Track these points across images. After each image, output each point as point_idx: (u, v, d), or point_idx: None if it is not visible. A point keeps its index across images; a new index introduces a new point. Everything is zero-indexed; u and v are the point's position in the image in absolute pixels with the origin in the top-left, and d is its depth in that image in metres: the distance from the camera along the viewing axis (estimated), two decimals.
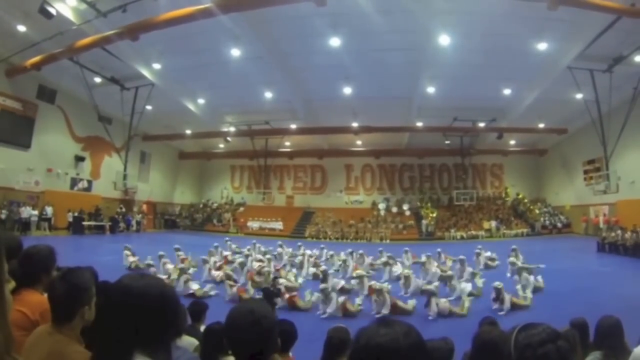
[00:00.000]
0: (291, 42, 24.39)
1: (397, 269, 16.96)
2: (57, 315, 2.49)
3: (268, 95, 31.21)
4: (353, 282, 15.08)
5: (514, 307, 11.86)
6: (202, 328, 5.59)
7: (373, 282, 13.23)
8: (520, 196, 42.93)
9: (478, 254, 19.87)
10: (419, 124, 34.89)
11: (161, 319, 1.77)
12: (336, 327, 4.45)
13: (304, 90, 30.82)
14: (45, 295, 2.75)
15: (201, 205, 46.73)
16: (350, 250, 19.94)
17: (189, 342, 4.55)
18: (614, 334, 4.14)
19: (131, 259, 17.20)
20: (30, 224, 27.62)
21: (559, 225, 37.95)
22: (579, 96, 26.92)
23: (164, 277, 13.37)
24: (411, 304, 12.32)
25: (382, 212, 42.15)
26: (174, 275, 14.17)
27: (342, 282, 14.82)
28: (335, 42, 23.08)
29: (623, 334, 4.17)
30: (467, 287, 13.86)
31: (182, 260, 17.06)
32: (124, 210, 36.16)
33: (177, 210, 45.37)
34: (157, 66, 27.27)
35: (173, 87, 30.20)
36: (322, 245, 23.05)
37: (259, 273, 13.26)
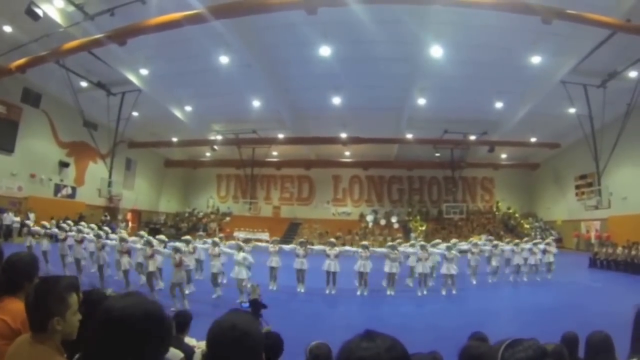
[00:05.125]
0: (281, 51, 24.17)
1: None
2: (30, 324, 2.45)
3: (256, 103, 30.91)
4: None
5: None
6: (186, 339, 5.65)
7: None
8: (511, 210, 42.74)
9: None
10: (409, 136, 34.82)
11: (147, 339, 1.76)
12: (317, 344, 4.35)
13: (292, 100, 30.64)
14: None
15: (187, 215, 46.16)
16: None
17: (173, 354, 4.19)
18: (604, 350, 4.22)
19: None
20: (12, 230, 27.03)
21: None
22: (572, 111, 26.86)
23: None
24: None
25: (370, 225, 41.81)
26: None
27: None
28: (325, 51, 22.80)
29: (613, 349, 4.24)
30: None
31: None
32: (108, 218, 35.57)
33: (163, 219, 44.76)
34: (144, 72, 26.90)
35: (160, 94, 29.87)
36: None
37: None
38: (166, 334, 1.95)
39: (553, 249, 21.75)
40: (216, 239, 17.05)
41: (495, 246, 20.78)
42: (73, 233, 17.86)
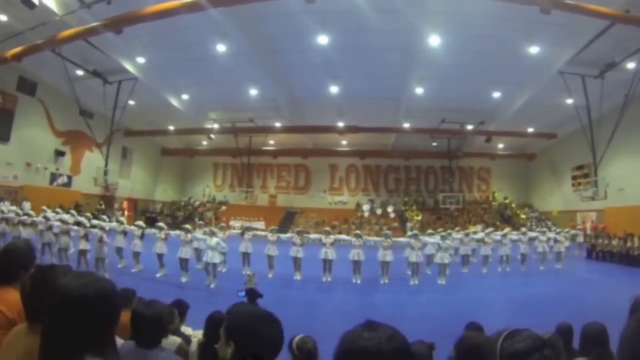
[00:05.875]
0: (278, 39, 24.02)
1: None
2: (27, 314, 2.49)
3: (253, 92, 30.84)
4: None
5: None
6: (182, 328, 5.70)
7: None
8: (508, 200, 42.76)
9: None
10: (406, 125, 34.72)
11: (102, 316, 1.84)
12: (303, 338, 4.35)
13: (289, 88, 30.52)
14: None
15: (183, 203, 46.09)
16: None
17: (171, 340, 4.23)
18: (599, 341, 4.18)
19: None
20: (8, 219, 26.98)
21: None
22: (570, 101, 26.77)
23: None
24: None
25: (366, 214, 41.87)
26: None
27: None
28: (323, 39, 22.72)
29: (609, 341, 4.19)
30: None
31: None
32: (103, 207, 35.51)
33: (159, 208, 44.73)
34: (141, 60, 26.74)
35: (157, 82, 29.70)
36: None
37: None
38: (118, 311, 2.01)
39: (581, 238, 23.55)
40: (188, 226, 18.16)
41: (505, 235, 21.07)
42: (25, 217, 19.55)
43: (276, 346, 2.15)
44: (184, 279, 15.72)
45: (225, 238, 18.02)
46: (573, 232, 23.04)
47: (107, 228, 17.14)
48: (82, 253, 16.18)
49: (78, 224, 17.52)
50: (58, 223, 17.59)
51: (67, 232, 16.96)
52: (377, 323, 1.56)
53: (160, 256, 16.63)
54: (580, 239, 23.57)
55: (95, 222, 18.38)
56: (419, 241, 17.58)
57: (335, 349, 1.56)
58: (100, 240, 15.78)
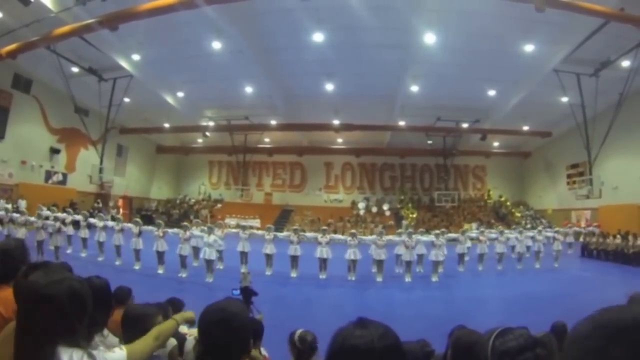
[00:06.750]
0: (274, 37, 24.04)
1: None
2: None
3: (248, 89, 30.82)
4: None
5: None
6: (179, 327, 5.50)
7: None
8: (503, 199, 42.72)
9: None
10: (402, 123, 34.65)
11: (71, 314, 1.87)
12: (304, 331, 4.48)
13: (285, 86, 30.48)
14: None
15: (178, 201, 45.85)
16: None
17: (168, 341, 4.19)
18: None
19: None
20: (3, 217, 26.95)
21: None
22: (565, 99, 26.81)
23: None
24: None
25: (362, 212, 41.74)
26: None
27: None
28: (318, 37, 22.78)
29: None
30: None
31: None
32: (100, 205, 35.41)
33: (154, 206, 44.53)
34: (136, 57, 26.67)
35: (152, 80, 29.63)
36: None
37: None
38: (87, 309, 2.04)
39: (571, 237, 23.77)
40: (186, 224, 18.52)
41: (501, 233, 21.20)
42: None
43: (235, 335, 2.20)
44: (183, 275, 16.04)
45: (223, 236, 18.13)
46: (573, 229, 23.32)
47: (63, 219, 18.72)
48: (39, 244, 17.08)
49: (75, 222, 19.18)
50: (18, 215, 18.93)
51: (24, 224, 18.16)
52: (369, 321, 1.57)
53: (160, 254, 16.80)
54: (571, 238, 23.68)
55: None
56: (413, 240, 17.62)
57: (328, 347, 1.57)
58: (58, 230, 17.42)
